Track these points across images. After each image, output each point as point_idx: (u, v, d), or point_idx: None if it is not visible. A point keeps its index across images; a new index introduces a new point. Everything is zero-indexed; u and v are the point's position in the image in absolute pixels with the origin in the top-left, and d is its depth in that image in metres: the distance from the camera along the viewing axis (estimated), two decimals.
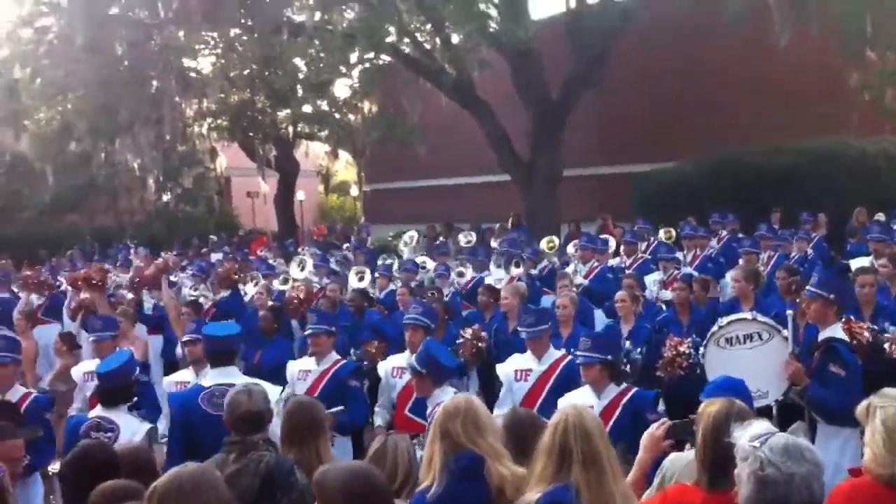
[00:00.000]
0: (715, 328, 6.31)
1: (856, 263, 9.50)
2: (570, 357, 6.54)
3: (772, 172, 17.98)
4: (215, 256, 20.00)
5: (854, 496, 3.42)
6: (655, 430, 4.10)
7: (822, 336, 5.97)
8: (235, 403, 4.31)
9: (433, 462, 3.73)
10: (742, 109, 21.91)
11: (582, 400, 5.30)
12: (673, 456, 4.18)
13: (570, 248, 14.02)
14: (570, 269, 12.12)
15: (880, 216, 14.21)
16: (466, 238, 17.25)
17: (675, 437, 4.17)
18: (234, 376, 5.98)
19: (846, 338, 5.98)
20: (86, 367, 7.70)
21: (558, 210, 21.27)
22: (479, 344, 8.28)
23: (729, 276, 9.82)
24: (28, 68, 24.91)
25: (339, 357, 7.34)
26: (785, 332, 6.06)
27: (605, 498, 3.23)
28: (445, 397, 5.36)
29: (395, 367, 7.08)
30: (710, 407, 3.62)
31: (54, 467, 5.81)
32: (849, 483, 3.56)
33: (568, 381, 6.31)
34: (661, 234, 14.82)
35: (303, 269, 13.51)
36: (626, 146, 24.41)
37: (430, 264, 13.66)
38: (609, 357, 5.63)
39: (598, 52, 20.96)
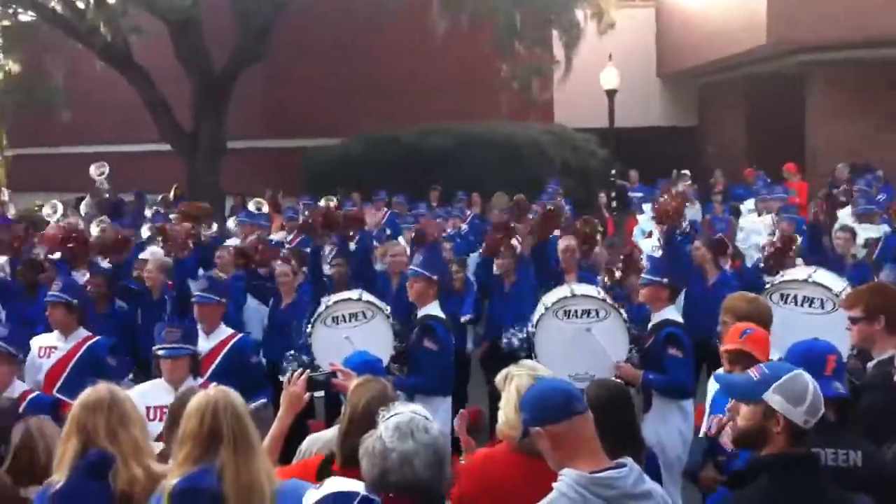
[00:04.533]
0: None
1: None
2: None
3: (430, 153, 18.86)
4: None
5: (488, 461, 3.53)
6: (294, 385, 4.07)
7: (656, 319, 6.13)
8: None
9: (65, 458, 3.42)
10: (403, 93, 22.68)
11: None
12: (313, 437, 4.16)
13: (231, 223, 13.57)
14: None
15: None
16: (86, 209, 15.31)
17: (312, 389, 4.21)
18: None
19: (681, 320, 6.17)
20: None
21: (221, 182, 20.65)
22: None
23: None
24: None
25: None
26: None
27: (251, 477, 3.12)
28: None
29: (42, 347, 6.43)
30: (362, 386, 3.66)
31: None
32: (484, 450, 3.69)
33: None
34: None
35: None
36: (293, 121, 24.27)
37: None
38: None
39: (263, 25, 20.48)
